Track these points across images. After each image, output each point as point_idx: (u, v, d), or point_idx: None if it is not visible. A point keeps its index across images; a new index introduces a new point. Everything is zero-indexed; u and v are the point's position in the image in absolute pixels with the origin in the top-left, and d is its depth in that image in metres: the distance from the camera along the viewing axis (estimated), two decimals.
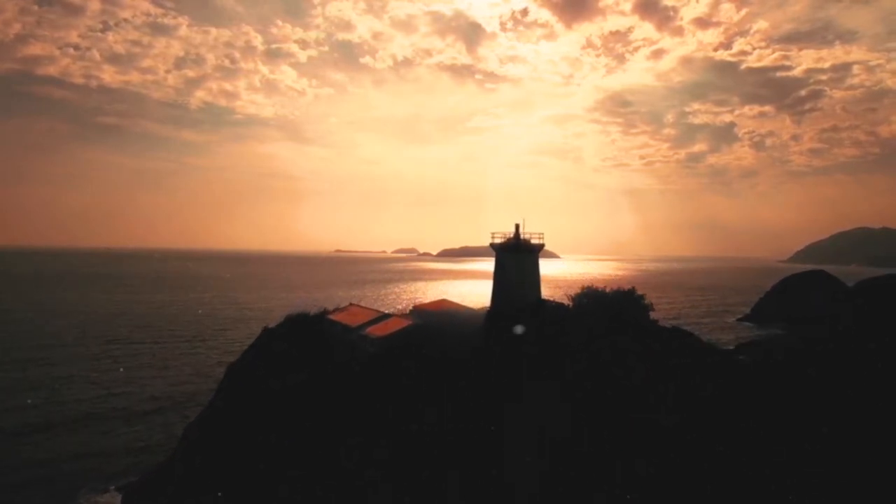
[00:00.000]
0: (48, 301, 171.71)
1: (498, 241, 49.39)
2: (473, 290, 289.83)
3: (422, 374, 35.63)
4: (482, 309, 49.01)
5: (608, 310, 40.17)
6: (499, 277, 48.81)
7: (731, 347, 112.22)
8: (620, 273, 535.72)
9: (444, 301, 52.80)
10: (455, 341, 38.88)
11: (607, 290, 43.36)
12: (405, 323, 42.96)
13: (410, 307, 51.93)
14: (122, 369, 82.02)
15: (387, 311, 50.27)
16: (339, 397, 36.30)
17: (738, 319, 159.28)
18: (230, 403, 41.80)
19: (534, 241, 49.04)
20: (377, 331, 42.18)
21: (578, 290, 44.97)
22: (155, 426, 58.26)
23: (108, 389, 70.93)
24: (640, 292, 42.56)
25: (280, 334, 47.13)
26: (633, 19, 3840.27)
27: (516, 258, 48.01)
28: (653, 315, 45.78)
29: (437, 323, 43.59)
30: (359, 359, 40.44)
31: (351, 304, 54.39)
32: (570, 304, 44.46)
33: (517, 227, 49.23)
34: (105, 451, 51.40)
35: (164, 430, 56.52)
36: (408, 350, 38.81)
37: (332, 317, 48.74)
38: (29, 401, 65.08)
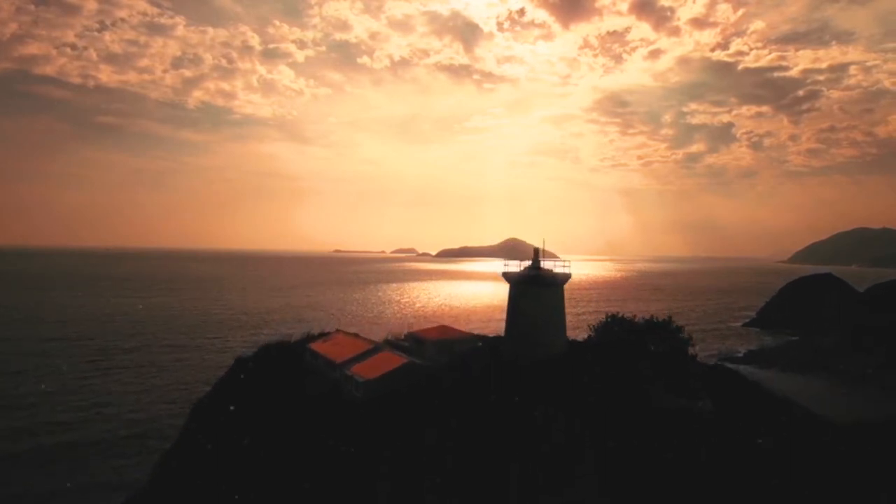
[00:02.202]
0: (42, 304, 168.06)
1: (512, 269, 40.03)
2: (472, 291, 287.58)
3: (415, 431, 30.91)
4: (497, 345, 43.40)
5: (640, 344, 34.82)
6: (513, 318, 39.33)
7: (740, 354, 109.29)
8: (619, 274, 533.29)
9: (443, 328, 46.54)
10: (457, 385, 33.78)
11: (636, 317, 38.38)
12: (397, 361, 37.11)
13: (405, 332, 46.52)
14: (108, 384, 77.25)
15: (377, 342, 44.08)
16: (320, 452, 32.13)
17: (745, 324, 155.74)
18: (194, 446, 37.08)
19: (557, 271, 39.46)
20: (364, 371, 36.48)
21: (602, 318, 39.68)
22: (134, 456, 53.35)
23: (93, 408, 66.46)
24: (675, 323, 37.67)
25: (253, 366, 42.37)
26: (630, 19, 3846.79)
27: (536, 294, 38.48)
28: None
29: (436, 357, 38.47)
30: (344, 399, 35.80)
31: (338, 331, 48.77)
32: (592, 334, 39.68)
33: (536, 252, 40.19)
34: (79, 486, 47.22)
35: (142, 461, 51.64)
36: (399, 397, 33.47)
37: (314, 347, 43.37)
38: (8, 424, 60.63)
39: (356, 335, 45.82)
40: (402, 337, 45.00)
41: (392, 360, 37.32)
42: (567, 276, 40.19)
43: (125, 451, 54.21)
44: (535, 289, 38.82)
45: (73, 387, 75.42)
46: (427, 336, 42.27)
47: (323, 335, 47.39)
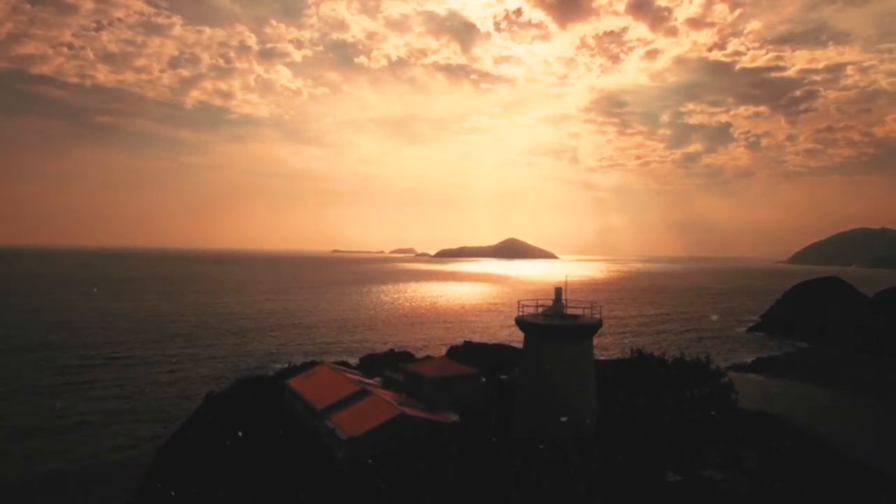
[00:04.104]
0: (31, 308, 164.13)
1: (528, 313, 32.28)
2: (471, 293, 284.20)
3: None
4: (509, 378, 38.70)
5: (675, 389, 30.40)
6: (530, 380, 31.18)
7: (748, 363, 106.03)
8: (618, 275, 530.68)
9: (443, 362, 41.38)
10: (461, 443, 28.84)
11: (667, 356, 33.91)
12: (386, 413, 31.35)
13: (399, 364, 41.70)
14: (91, 402, 71.15)
15: (365, 381, 38.28)
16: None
17: (749, 329, 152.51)
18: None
19: (585, 316, 31.54)
20: (348, 423, 30.95)
21: (629, 354, 35.48)
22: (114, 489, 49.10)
23: (73, 430, 60.77)
24: (714, 365, 33.54)
25: (225, 406, 38.55)
26: (627, 20, 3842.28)
27: (562, 350, 30.04)
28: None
29: (434, 396, 33.71)
30: (324, 449, 31.14)
31: (323, 364, 43.76)
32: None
33: (559, 293, 32.47)
34: None
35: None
36: (390, 460, 28.38)
37: (294, 384, 38.71)
38: None
39: (342, 368, 41.03)
40: (397, 369, 40.60)
41: (380, 411, 31.91)
42: (598, 324, 32.02)
43: (104, 485, 49.94)
44: (561, 344, 30.19)
45: (54, 404, 70.40)
46: (424, 372, 37.45)
47: (306, 365, 43.33)
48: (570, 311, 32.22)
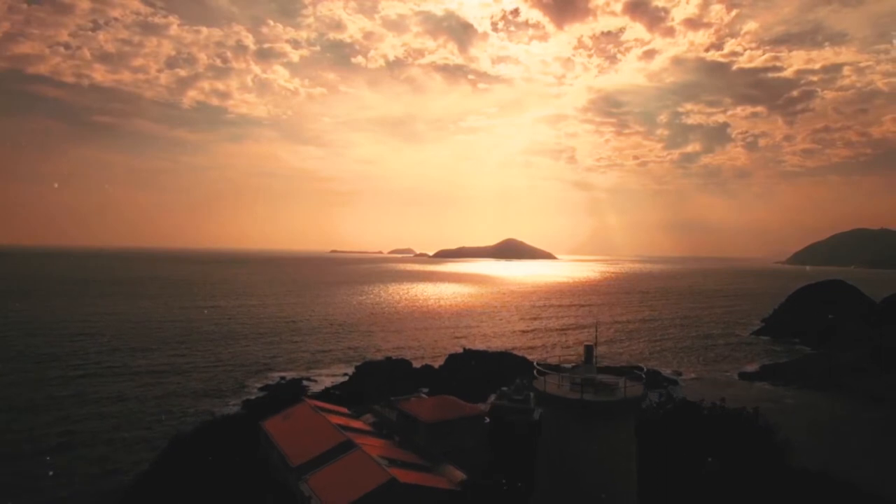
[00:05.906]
0: (22, 311, 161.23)
1: (548, 380, 24.47)
2: (471, 295, 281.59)
3: None
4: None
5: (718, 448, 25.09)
6: (552, 463, 24.15)
7: (755, 370, 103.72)
8: (617, 276, 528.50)
9: (442, 402, 35.52)
10: None
11: (703, 403, 28.07)
12: (376, 478, 26.34)
13: (391, 400, 36.58)
14: (62, 426, 66.26)
15: (351, 427, 32.48)
16: None
17: (753, 333, 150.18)
18: None
19: (622, 381, 24.35)
20: (328, 491, 26.27)
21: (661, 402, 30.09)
22: None
23: (52, 452, 57.14)
24: (763, 416, 28.52)
25: (192, 449, 34.30)
26: (624, 20, 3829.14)
27: (594, 429, 23.06)
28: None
29: (430, 443, 29.71)
30: None
31: (306, 401, 38.46)
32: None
33: (589, 351, 25.78)
34: None
35: None
36: None
37: (270, 428, 34.08)
38: None
39: (323, 409, 35.50)
40: (390, 404, 35.98)
41: (367, 474, 27.26)
42: (643, 395, 24.47)
43: None
44: (595, 424, 22.98)
45: (37, 421, 66.67)
46: (420, 415, 32.91)
47: (288, 394, 38.49)
48: (608, 382, 24.72)
